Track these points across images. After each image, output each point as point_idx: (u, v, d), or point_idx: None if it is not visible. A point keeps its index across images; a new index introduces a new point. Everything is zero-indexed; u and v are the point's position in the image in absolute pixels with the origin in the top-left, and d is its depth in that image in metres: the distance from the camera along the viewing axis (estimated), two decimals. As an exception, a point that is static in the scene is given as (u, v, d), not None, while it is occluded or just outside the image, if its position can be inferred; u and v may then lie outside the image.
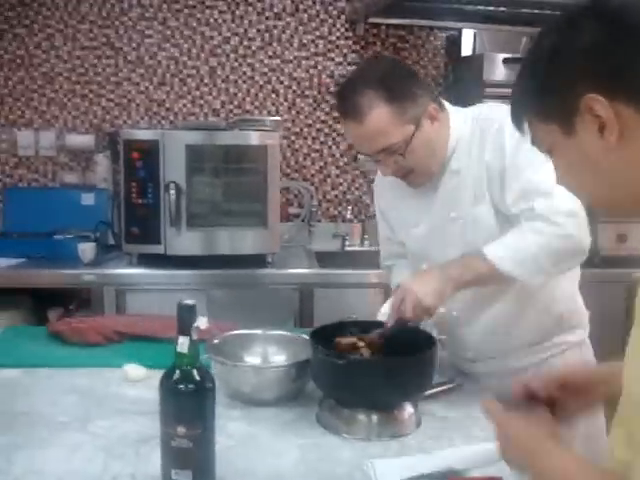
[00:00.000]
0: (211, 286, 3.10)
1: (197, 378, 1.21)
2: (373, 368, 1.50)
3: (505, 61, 3.41)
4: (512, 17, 3.44)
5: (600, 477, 1.03)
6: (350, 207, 3.77)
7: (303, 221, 3.73)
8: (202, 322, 1.20)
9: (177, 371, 1.21)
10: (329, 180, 3.77)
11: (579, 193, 1.13)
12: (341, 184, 3.78)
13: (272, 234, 3.22)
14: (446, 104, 1.82)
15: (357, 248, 3.77)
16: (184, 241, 3.11)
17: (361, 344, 1.63)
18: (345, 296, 3.23)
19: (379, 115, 1.66)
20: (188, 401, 1.21)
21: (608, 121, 0.96)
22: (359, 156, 1.83)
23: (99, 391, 1.73)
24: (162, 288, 3.05)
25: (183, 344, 1.20)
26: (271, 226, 3.21)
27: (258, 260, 3.21)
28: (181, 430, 1.19)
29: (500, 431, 1.18)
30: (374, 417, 1.54)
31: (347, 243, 3.75)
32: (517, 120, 1.12)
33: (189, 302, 1.21)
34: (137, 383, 1.76)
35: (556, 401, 1.29)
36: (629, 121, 0.96)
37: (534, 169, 1.65)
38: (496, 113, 1.75)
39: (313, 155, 3.74)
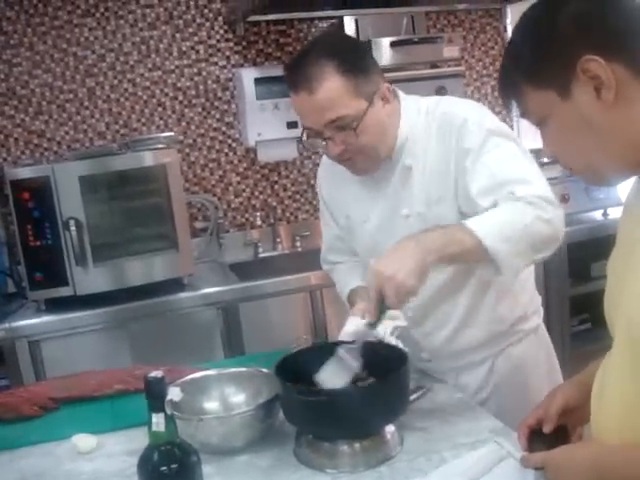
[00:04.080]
0: (129, 321, 2.92)
1: (180, 455, 1.08)
2: (354, 398, 1.40)
3: (392, 44, 3.36)
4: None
5: None
6: (257, 213, 3.65)
7: (211, 234, 3.58)
8: (175, 394, 1.07)
9: (156, 452, 1.08)
10: (231, 188, 3.63)
11: (572, 160, 1.12)
12: (244, 190, 3.65)
13: (184, 255, 3.08)
14: (399, 92, 1.76)
15: (270, 254, 3.66)
16: (93, 278, 2.91)
17: None
18: (269, 307, 3.13)
19: (331, 85, 1.59)
20: (176, 484, 1.07)
21: (606, 80, 0.99)
22: (304, 137, 1.70)
23: (52, 472, 1.55)
24: (78, 331, 2.85)
25: (159, 423, 1.06)
26: (182, 247, 3.06)
27: (174, 284, 3.06)
28: (173, 517, 1.06)
29: (553, 471, 1.15)
30: (357, 446, 1.45)
31: (260, 250, 3.63)
32: (506, 94, 1.13)
33: (157, 375, 1.07)
34: (90, 454, 1.60)
35: (562, 427, 1.30)
36: (624, 81, 1.00)
37: (505, 162, 1.60)
38: (456, 108, 1.69)
39: (211, 165, 3.59)
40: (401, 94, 1.76)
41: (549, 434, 1.28)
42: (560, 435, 1.28)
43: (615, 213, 3.47)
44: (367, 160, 1.70)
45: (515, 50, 1.10)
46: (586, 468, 1.10)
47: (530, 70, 1.06)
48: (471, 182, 1.61)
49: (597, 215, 3.62)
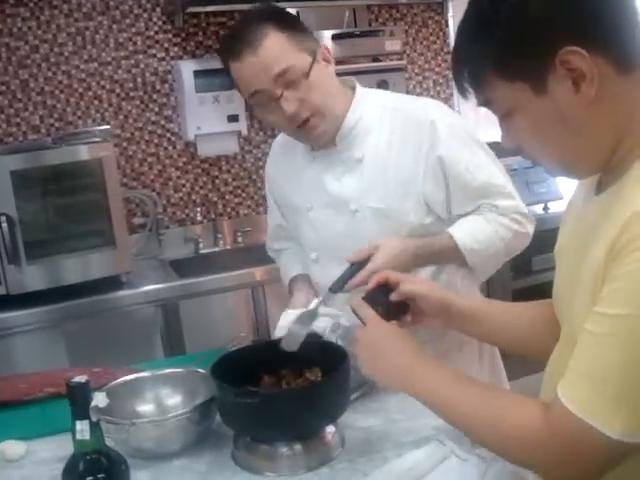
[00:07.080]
0: (65, 321, 2.82)
1: (107, 464, 1.03)
2: (293, 399, 1.36)
3: (333, 37, 3.34)
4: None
5: (482, 390, 1.08)
6: (198, 208, 3.58)
7: (150, 230, 3.49)
8: (100, 400, 1.01)
9: (81, 462, 1.02)
10: (170, 183, 3.55)
11: (540, 154, 1.05)
12: (184, 185, 3.57)
13: (122, 251, 2.99)
14: (356, 82, 1.79)
15: (211, 249, 3.59)
16: (27, 277, 2.81)
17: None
18: (211, 304, 3.08)
19: (274, 40, 1.60)
20: (102, 495, 1.02)
21: (589, 73, 0.92)
22: (254, 102, 1.68)
23: (-23, 481, 1.48)
24: (13, 332, 2.75)
25: (83, 430, 1.00)
26: (119, 243, 2.98)
27: (111, 282, 2.97)
28: (100, 530, 1.01)
29: (369, 338, 1.19)
30: (297, 448, 1.41)
31: (201, 246, 3.56)
32: (463, 81, 1.03)
33: (80, 379, 1.01)
34: (19, 461, 1.53)
35: (409, 308, 1.35)
36: (604, 75, 0.94)
37: (483, 171, 1.68)
38: (423, 109, 1.71)
39: (149, 160, 3.50)
40: (358, 85, 1.78)
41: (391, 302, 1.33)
42: (398, 306, 1.34)
43: (556, 207, 3.50)
44: (325, 121, 1.67)
45: (480, 35, 0.99)
46: (399, 365, 1.12)
47: (501, 61, 0.97)
48: (454, 190, 1.68)
49: (538, 209, 3.64)
